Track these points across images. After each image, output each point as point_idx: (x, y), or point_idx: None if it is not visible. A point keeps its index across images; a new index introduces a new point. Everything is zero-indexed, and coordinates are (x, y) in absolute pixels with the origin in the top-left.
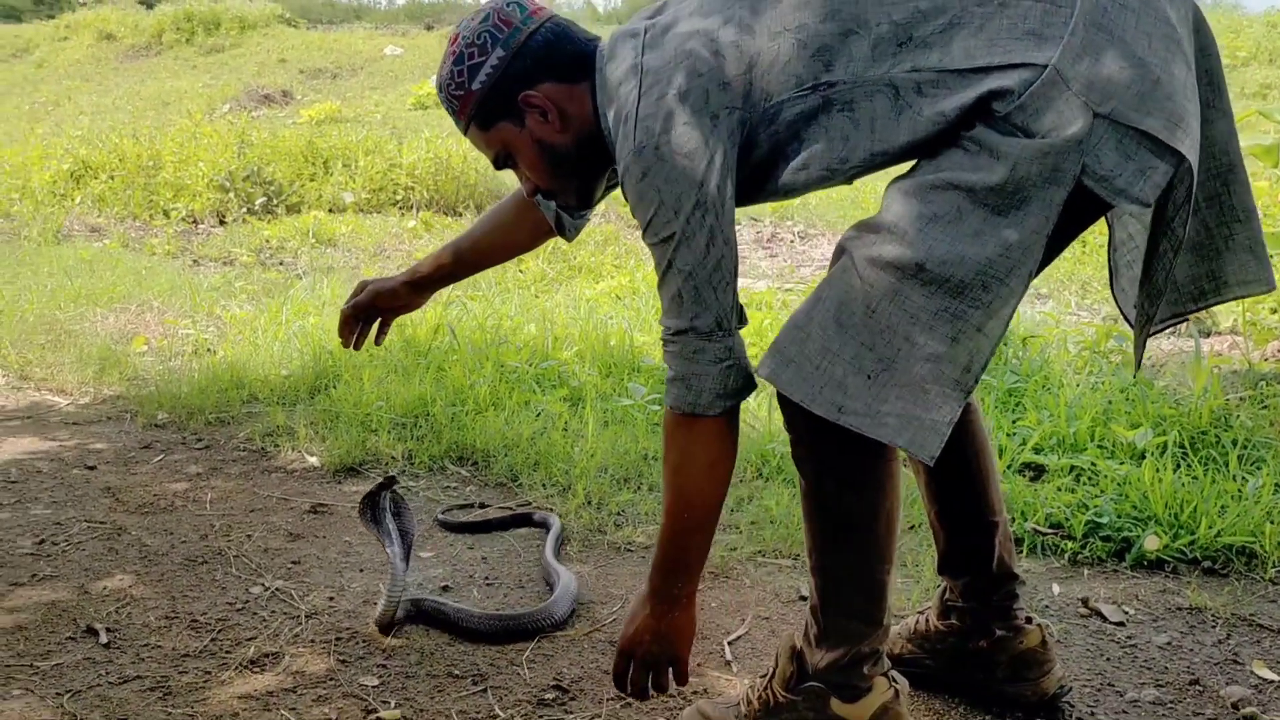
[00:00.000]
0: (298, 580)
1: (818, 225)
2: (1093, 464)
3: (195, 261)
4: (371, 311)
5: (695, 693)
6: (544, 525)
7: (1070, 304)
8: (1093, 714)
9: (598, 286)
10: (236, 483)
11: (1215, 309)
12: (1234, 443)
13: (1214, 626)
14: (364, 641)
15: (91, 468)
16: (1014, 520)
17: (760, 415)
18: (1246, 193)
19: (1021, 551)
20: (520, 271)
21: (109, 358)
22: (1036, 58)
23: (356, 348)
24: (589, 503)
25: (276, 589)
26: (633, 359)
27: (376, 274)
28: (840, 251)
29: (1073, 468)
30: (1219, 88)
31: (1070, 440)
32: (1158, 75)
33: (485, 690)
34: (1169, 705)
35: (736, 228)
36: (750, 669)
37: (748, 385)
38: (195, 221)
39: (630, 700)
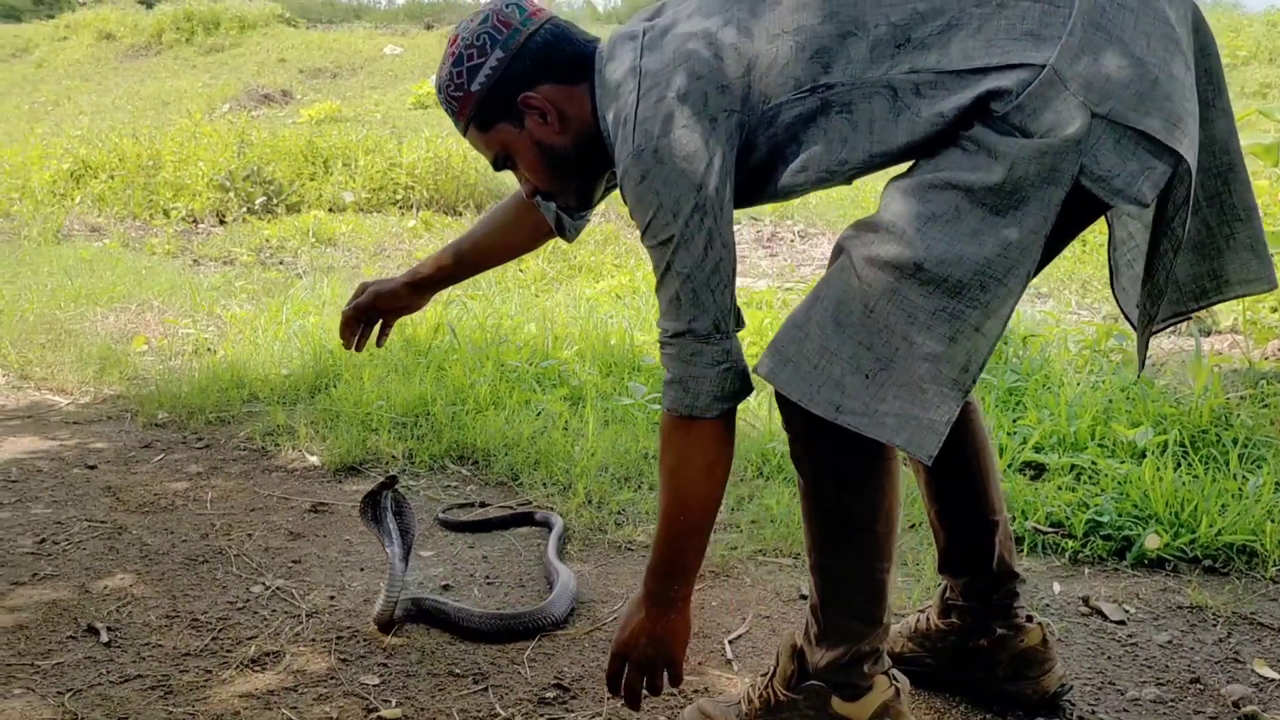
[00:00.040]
0: (298, 579)
1: (818, 224)
2: (1093, 463)
3: (195, 261)
4: (372, 313)
5: (696, 691)
6: (545, 524)
7: (1070, 303)
8: (1093, 712)
9: (598, 286)
10: (237, 482)
11: (1216, 308)
12: (1234, 441)
13: (1215, 625)
14: (365, 640)
15: (92, 467)
16: (1015, 519)
17: (760, 414)
18: (1247, 191)
19: (1022, 550)
20: (520, 271)
21: (109, 357)
22: (1034, 58)
23: (358, 349)
24: (589, 502)
25: (277, 588)
26: (633, 358)
27: (376, 273)
28: (839, 251)
29: (1073, 466)
30: (1219, 87)
31: (1071, 439)
32: (1156, 75)
33: (486, 689)
34: (1170, 704)
35: (736, 227)
36: (751, 668)
37: (745, 388)
38: (195, 221)
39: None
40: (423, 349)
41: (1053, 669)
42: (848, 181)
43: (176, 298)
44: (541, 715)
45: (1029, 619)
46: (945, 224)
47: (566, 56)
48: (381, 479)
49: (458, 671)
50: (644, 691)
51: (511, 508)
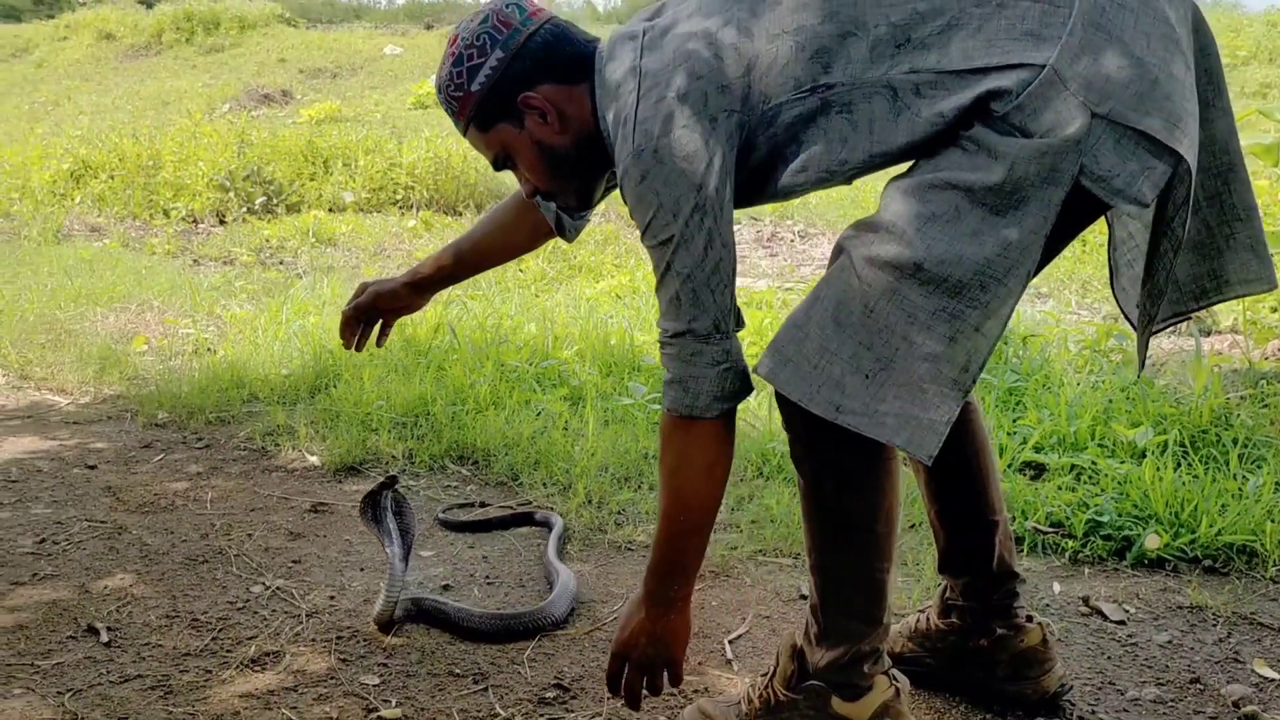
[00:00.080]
0: (298, 579)
1: (818, 224)
2: (1093, 463)
3: (195, 261)
4: (373, 313)
5: (696, 691)
6: (546, 525)
7: (1070, 303)
8: (1093, 712)
9: (598, 285)
10: (237, 482)
11: (1216, 308)
12: (1234, 441)
13: (1215, 625)
14: (365, 640)
15: (92, 467)
16: (1015, 519)
17: (761, 414)
18: (1247, 191)
19: (1022, 550)
20: (520, 271)
21: (109, 357)
22: (1034, 58)
23: (358, 349)
24: (589, 502)
25: (277, 588)
26: (633, 358)
27: (376, 273)
28: (839, 250)
29: (1073, 466)
30: (1219, 86)
31: (1071, 439)
32: (1156, 75)
33: (486, 689)
34: (1170, 704)
35: (736, 227)
36: (751, 667)
37: (745, 388)
38: (195, 221)
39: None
40: (423, 349)
41: (1053, 669)
42: (848, 181)
43: (176, 298)
44: (541, 715)
45: (1029, 619)
46: (945, 224)
47: (566, 56)
48: (382, 479)
49: (458, 671)
50: (644, 691)
51: (511, 508)
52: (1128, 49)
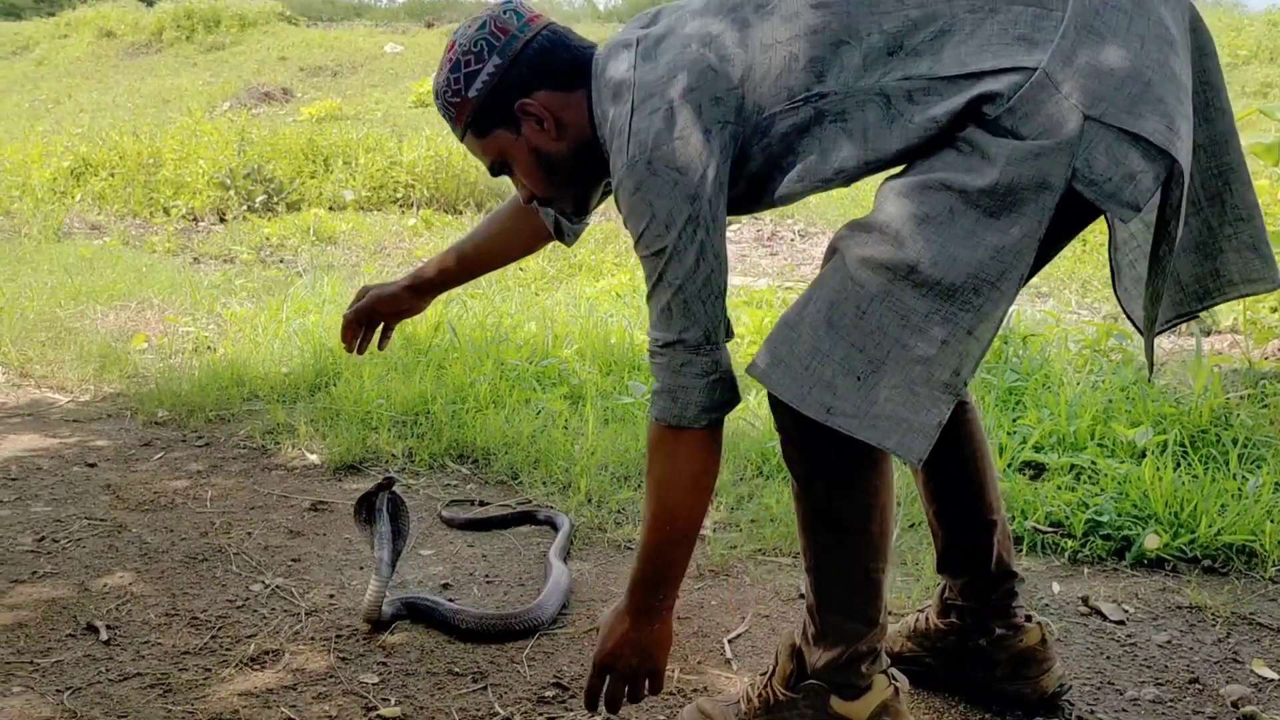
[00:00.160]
0: (298, 578)
1: (817, 224)
2: (1093, 462)
3: (195, 259)
4: (373, 316)
5: (696, 690)
6: (549, 524)
7: (1070, 302)
8: (1092, 712)
9: (598, 285)
10: (237, 480)
11: (1216, 308)
12: (1234, 441)
13: (1214, 625)
14: (364, 639)
15: (92, 465)
16: (1014, 519)
17: (761, 413)
18: (1249, 191)
19: (1021, 550)
20: (520, 270)
21: (109, 355)
22: (1026, 61)
23: (359, 353)
24: (589, 500)
25: (277, 586)
26: (633, 357)
27: (377, 271)
28: (832, 250)
29: (1073, 466)
30: (1217, 87)
31: (1070, 439)
32: (1150, 77)
33: (485, 688)
34: (1169, 704)
35: (736, 227)
36: (750, 667)
37: (733, 398)
38: (195, 219)
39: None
40: (423, 347)
41: (1051, 669)
42: (846, 185)
43: (177, 296)
44: (540, 714)
45: (1028, 619)
46: (939, 226)
47: (563, 63)
48: (379, 480)
49: (457, 670)
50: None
51: (510, 506)
52: (1121, 51)
